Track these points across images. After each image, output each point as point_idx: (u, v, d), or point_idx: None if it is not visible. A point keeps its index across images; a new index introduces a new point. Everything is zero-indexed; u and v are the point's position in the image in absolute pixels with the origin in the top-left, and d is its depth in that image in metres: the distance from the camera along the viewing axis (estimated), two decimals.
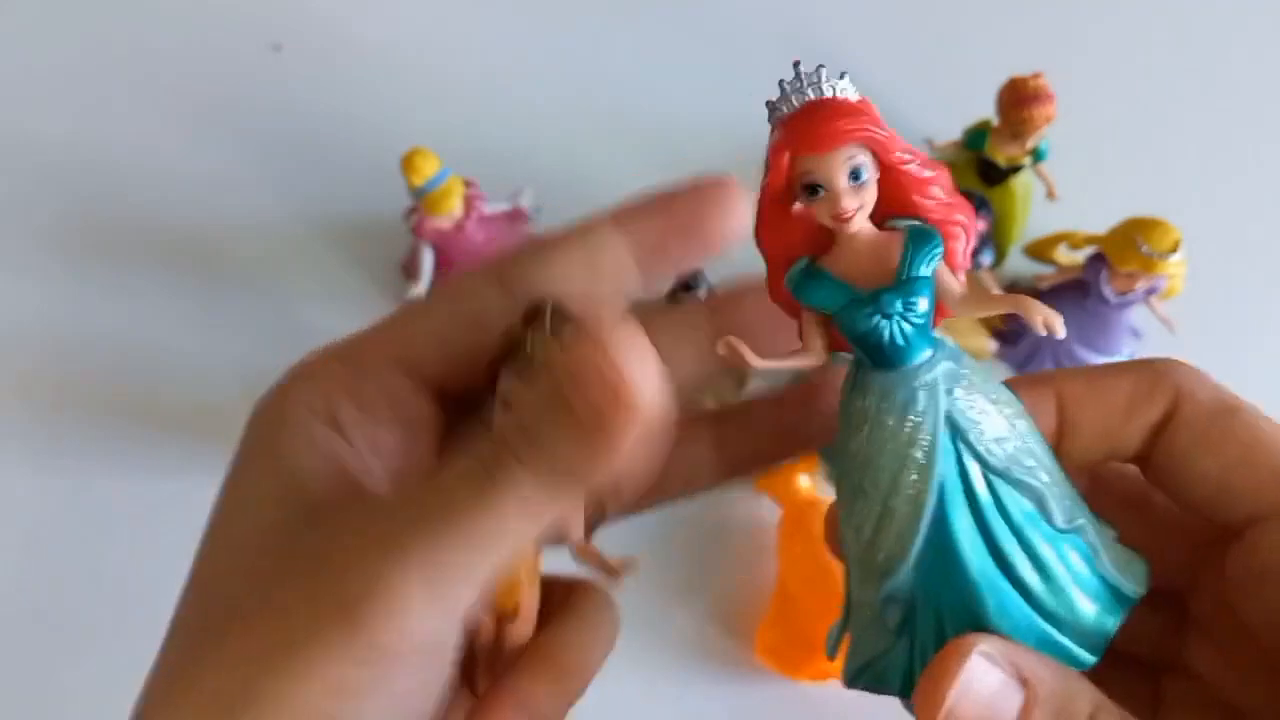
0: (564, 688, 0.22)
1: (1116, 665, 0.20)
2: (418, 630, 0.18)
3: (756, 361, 0.19)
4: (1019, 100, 0.52)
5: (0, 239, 0.60)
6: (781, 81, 0.19)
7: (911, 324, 0.19)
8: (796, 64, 0.19)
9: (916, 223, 0.19)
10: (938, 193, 0.19)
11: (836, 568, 0.51)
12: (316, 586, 0.19)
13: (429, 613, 0.18)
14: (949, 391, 0.19)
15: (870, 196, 0.19)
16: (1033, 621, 0.19)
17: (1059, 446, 0.20)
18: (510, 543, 0.18)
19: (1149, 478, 0.21)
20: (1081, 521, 0.20)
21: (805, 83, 0.18)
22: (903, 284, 0.18)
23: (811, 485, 0.52)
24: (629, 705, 0.49)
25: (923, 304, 0.19)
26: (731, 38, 0.67)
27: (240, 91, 0.65)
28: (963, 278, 0.20)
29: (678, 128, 0.64)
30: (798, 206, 0.19)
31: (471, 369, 0.21)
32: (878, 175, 0.19)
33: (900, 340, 0.19)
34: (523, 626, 0.22)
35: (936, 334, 0.20)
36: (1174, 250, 0.48)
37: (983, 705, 0.18)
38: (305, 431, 0.21)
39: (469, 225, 0.53)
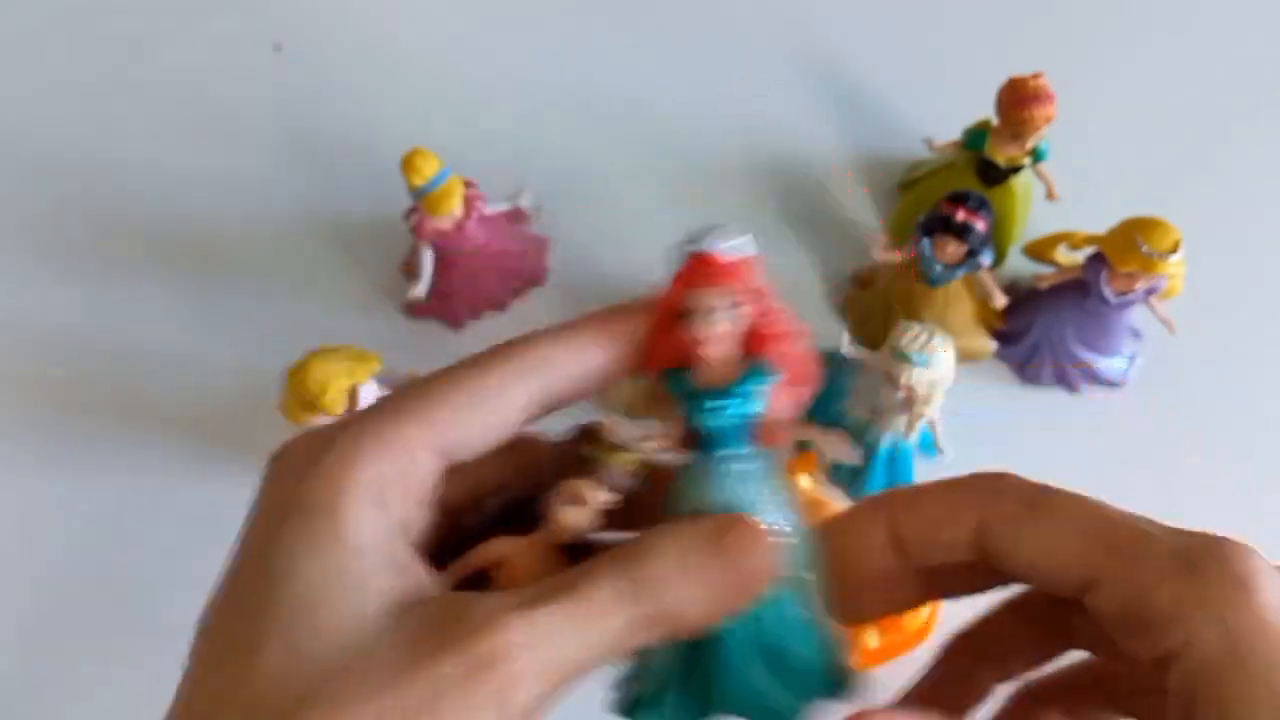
0: None
1: None
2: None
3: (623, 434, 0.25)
4: (1019, 100, 0.52)
5: (1, 239, 0.60)
6: (696, 228, 0.24)
7: (728, 422, 0.24)
8: (712, 226, 0.24)
9: (765, 361, 0.24)
10: (791, 348, 0.24)
11: None
12: (455, 648, 0.19)
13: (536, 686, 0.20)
14: (742, 482, 0.24)
15: (734, 332, 0.24)
16: (763, 700, 0.24)
17: (897, 555, 0.24)
18: (608, 652, 0.21)
19: (994, 577, 0.24)
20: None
21: (714, 233, 0.24)
22: (732, 391, 0.24)
23: (811, 485, 0.52)
24: None
25: (744, 409, 0.24)
26: (732, 39, 0.67)
27: (241, 92, 0.65)
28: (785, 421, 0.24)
29: (678, 128, 0.64)
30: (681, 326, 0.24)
31: (485, 473, 0.24)
32: (746, 320, 0.24)
33: (716, 430, 0.24)
34: None
35: (755, 448, 0.24)
36: (1174, 250, 0.48)
37: None
38: (360, 519, 0.21)
39: (469, 225, 0.53)
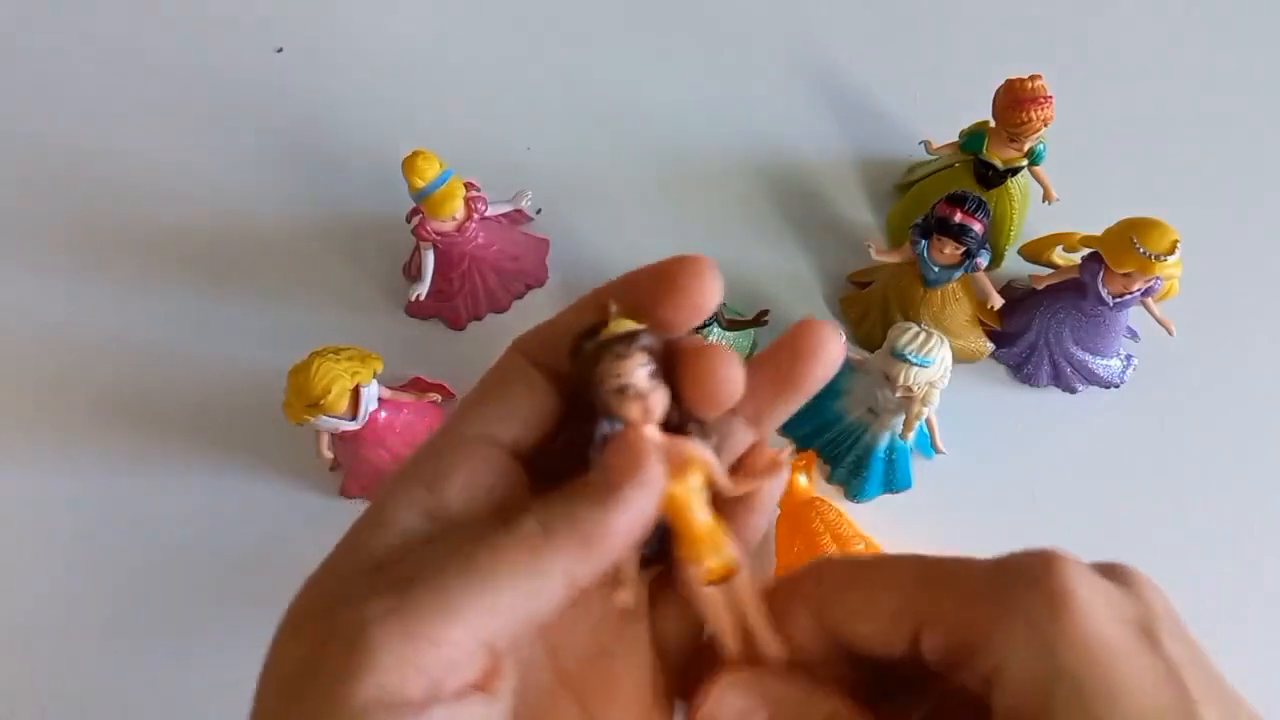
0: None
1: None
2: (390, 682, 0.20)
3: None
4: (1016, 102, 0.52)
5: (1, 239, 0.61)
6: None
7: None
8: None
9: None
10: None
11: None
12: (332, 625, 0.20)
13: (393, 652, 0.20)
14: None
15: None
16: None
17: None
18: (511, 584, 0.21)
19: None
20: None
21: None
22: None
23: (809, 485, 0.52)
24: None
25: None
26: (731, 41, 0.67)
27: (243, 94, 0.65)
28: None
29: (678, 129, 0.64)
30: None
31: (536, 429, 0.24)
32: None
33: None
34: (742, 575, 0.23)
35: None
36: (1171, 251, 0.48)
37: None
38: (389, 522, 0.22)
39: (470, 227, 0.53)
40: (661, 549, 0.24)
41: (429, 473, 0.23)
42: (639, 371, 0.23)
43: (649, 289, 0.24)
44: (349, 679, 0.19)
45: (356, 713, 0.19)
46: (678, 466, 0.23)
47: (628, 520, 0.21)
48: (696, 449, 0.23)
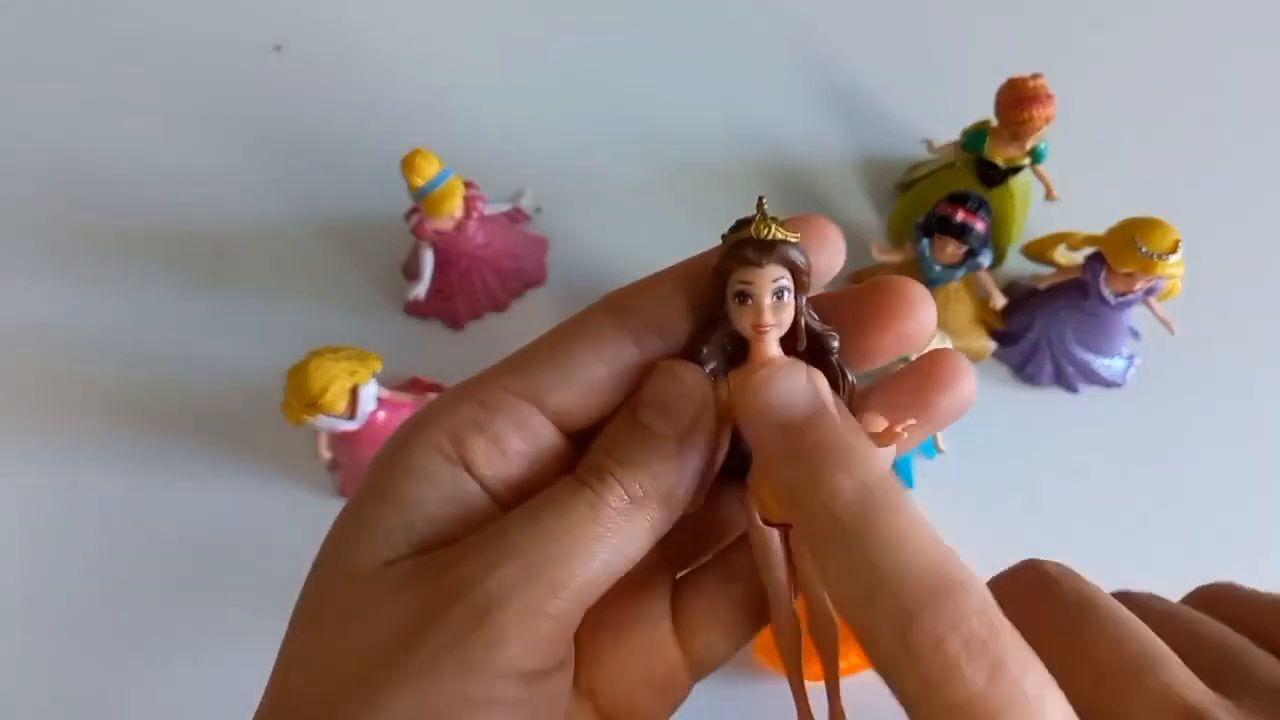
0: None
1: None
2: (518, 656, 0.19)
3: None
4: (1018, 101, 0.52)
5: (1, 239, 0.60)
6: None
7: None
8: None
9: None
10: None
11: None
12: (440, 596, 0.20)
13: (525, 631, 0.19)
14: None
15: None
16: None
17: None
18: (605, 552, 0.20)
19: None
20: None
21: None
22: None
23: None
24: None
25: None
26: (732, 39, 0.67)
27: (241, 92, 0.65)
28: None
29: (678, 128, 0.64)
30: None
31: (593, 400, 0.22)
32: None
33: None
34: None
35: None
36: (1173, 251, 0.48)
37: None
38: (429, 473, 0.21)
39: (470, 226, 0.53)
40: (743, 464, 0.23)
41: (459, 421, 0.22)
42: (766, 283, 0.21)
43: (851, 313, 0.22)
44: (487, 649, 0.19)
45: (494, 683, 0.19)
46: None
47: (693, 467, 0.21)
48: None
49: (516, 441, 0.22)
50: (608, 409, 0.22)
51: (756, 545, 0.22)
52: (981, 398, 0.60)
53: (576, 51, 0.67)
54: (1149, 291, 0.51)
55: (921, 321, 0.22)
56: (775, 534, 0.22)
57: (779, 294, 0.21)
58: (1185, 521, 0.53)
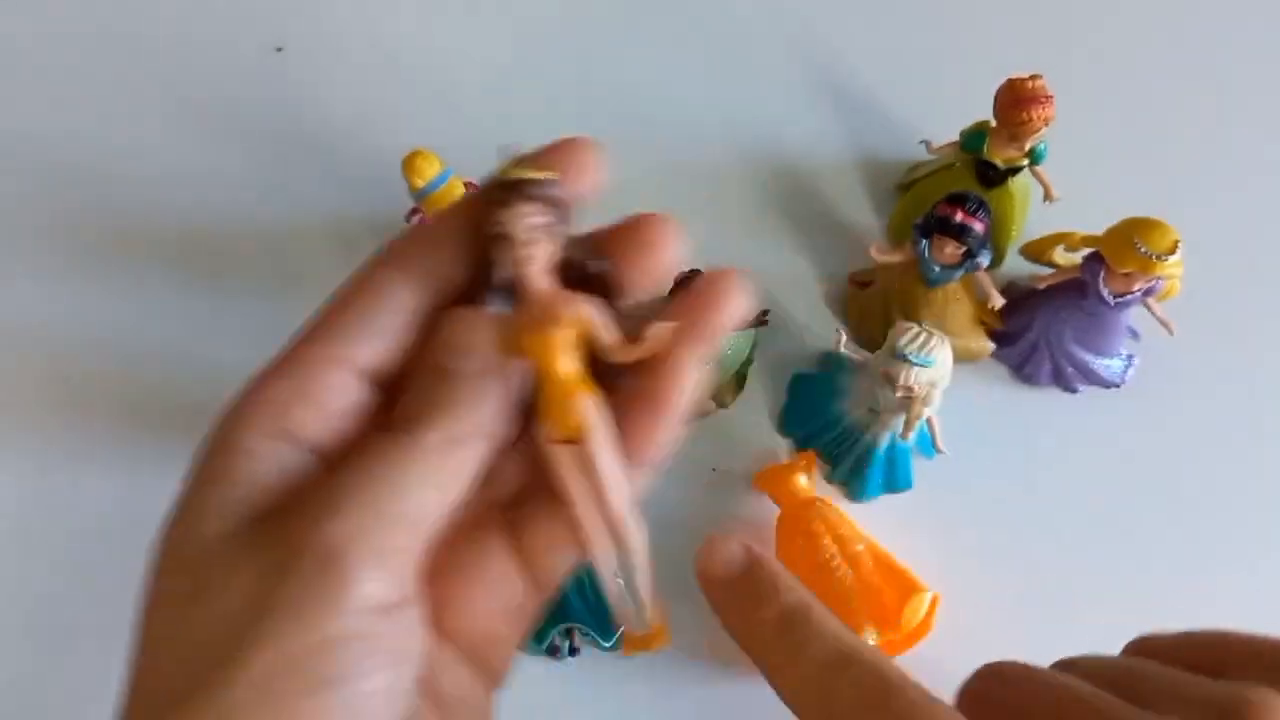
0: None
1: None
2: (370, 591, 0.21)
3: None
4: (1017, 101, 0.52)
5: (1, 239, 0.60)
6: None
7: None
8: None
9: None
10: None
11: (835, 567, 0.51)
12: (286, 552, 0.21)
13: (371, 567, 0.21)
14: None
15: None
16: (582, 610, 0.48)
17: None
18: (433, 488, 0.22)
19: None
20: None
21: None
22: None
23: (809, 484, 0.52)
24: (628, 704, 0.49)
25: None
26: (732, 39, 0.67)
27: (242, 93, 0.65)
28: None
29: (677, 129, 0.64)
30: None
31: (393, 350, 0.24)
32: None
33: None
34: (598, 433, 0.23)
35: None
36: (1172, 251, 0.48)
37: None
38: (255, 449, 0.23)
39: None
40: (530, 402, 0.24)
41: (276, 397, 0.23)
42: (520, 220, 0.23)
43: (611, 245, 0.25)
44: (339, 590, 0.20)
45: (350, 619, 0.20)
46: (550, 319, 0.23)
47: (498, 400, 0.23)
48: (572, 307, 0.23)
49: (333, 403, 0.23)
50: (410, 357, 0.24)
51: (550, 465, 0.24)
52: (980, 398, 0.61)
53: (577, 51, 0.67)
54: (1148, 292, 0.51)
55: (671, 249, 0.25)
56: (566, 452, 0.24)
57: (534, 228, 0.23)
58: (1184, 521, 0.53)
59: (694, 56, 0.67)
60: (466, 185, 0.53)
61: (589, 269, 0.24)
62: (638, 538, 0.24)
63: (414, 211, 0.53)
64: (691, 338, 0.24)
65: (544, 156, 0.24)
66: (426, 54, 0.66)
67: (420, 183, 0.51)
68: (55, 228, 0.61)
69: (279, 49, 0.67)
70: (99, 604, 0.51)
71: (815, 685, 0.25)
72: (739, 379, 0.56)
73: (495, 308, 0.24)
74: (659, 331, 0.24)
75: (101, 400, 0.55)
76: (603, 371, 0.24)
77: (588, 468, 0.23)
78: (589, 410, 0.23)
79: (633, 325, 0.24)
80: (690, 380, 0.24)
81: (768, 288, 0.58)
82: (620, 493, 0.24)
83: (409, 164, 0.50)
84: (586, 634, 0.49)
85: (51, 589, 0.51)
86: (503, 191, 0.23)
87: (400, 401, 0.23)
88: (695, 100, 0.65)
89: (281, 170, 0.62)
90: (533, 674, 0.49)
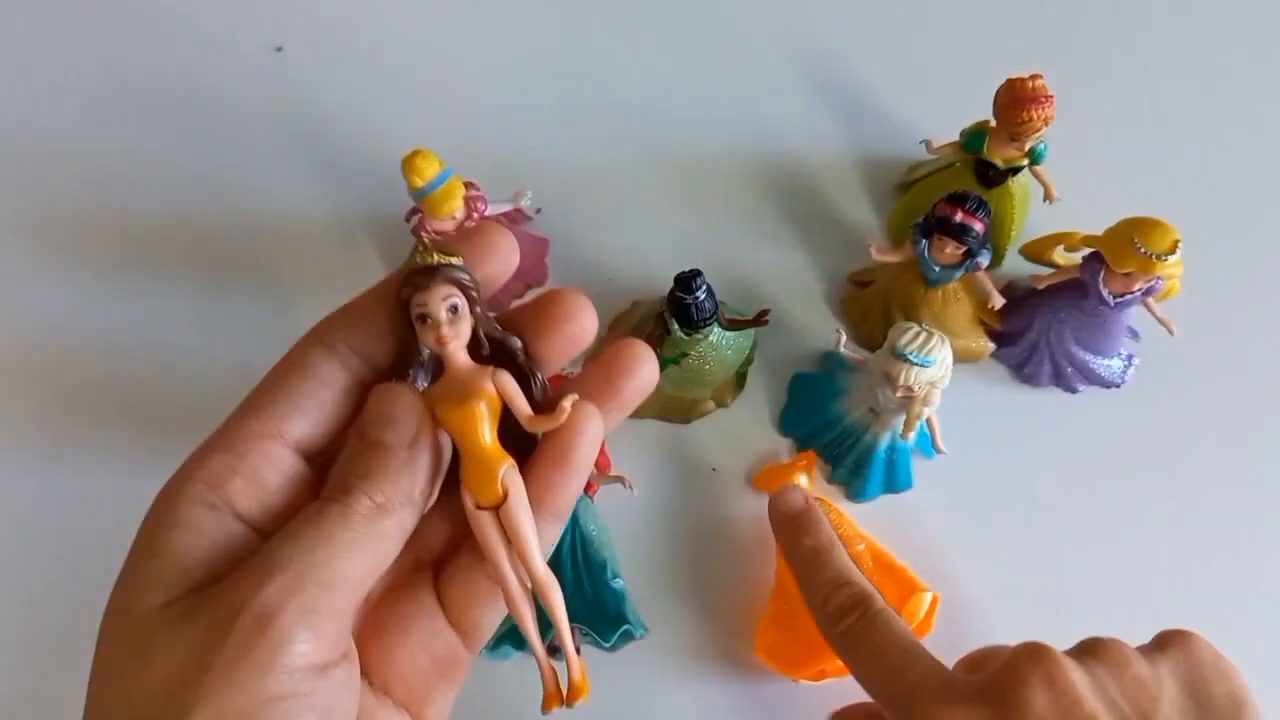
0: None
1: None
2: (304, 651, 0.22)
3: None
4: (1017, 101, 0.52)
5: (2, 239, 0.60)
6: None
7: None
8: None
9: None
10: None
11: None
12: (222, 617, 0.22)
13: (304, 629, 0.22)
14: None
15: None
16: (582, 610, 0.48)
17: None
18: (362, 553, 0.23)
19: None
20: (620, 581, 0.44)
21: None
22: None
23: (810, 485, 0.52)
24: (628, 704, 0.49)
25: None
26: (731, 39, 0.67)
27: (242, 92, 0.65)
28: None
29: (678, 128, 0.64)
30: None
31: (324, 425, 0.26)
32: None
33: None
34: (516, 499, 0.25)
35: None
36: (1172, 251, 0.48)
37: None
38: (193, 522, 0.24)
39: (470, 226, 0.53)
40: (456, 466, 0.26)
41: (213, 471, 0.24)
42: (438, 302, 0.25)
43: (528, 323, 0.27)
44: (274, 651, 0.21)
45: (285, 679, 0.21)
46: (469, 393, 0.25)
47: (424, 470, 0.24)
48: (486, 381, 0.25)
49: (269, 477, 0.24)
50: (339, 430, 0.26)
51: (475, 529, 0.25)
52: (980, 398, 0.61)
53: (577, 52, 0.67)
54: (1148, 292, 0.51)
55: (583, 326, 0.27)
56: (488, 516, 0.25)
57: (452, 309, 0.25)
58: (1184, 522, 0.53)
59: (694, 57, 0.67)
60: (467, 185, 0.53)
61: (505, 344, 0.26)
62: (558, 592, 0.26)
63: (414, 211, 0.53)
64: (602, 405, 0.26)
65: (459, 242, 0.26)
66: (426, 54, 0.66)
67: (420, 182, 0.51)
68: (55, 228, 0.61)
69: (279, 49, 0.67)
70: (100, 604, 0.51)
71: (823, 594, 0.39)
72: (739, 379, 0.56)
73: (419, 382, 0.26)
74: (569, 405, 0.25)
75: (102, 400, 0.55)
76: (518, 434, 0.26)
77: (510, 531, 0.25)
78: (508, 479, 0.25)
79: (544, 395, 0.26)
80: (594, 441, 0.26)
81: (768, 287, 0.58)
82: (540, 552, 0.25)
83: (409, 164, 0.50)
84: (586, 634, 0.49)
85: (52, 589, 0.51)
86: (422, 276, 0.25)
87: (332, 471, 0.25)
88: (695, 100, 0.65)
89: (281, 169, 0.62)
90: (533, 674, 0.49)
